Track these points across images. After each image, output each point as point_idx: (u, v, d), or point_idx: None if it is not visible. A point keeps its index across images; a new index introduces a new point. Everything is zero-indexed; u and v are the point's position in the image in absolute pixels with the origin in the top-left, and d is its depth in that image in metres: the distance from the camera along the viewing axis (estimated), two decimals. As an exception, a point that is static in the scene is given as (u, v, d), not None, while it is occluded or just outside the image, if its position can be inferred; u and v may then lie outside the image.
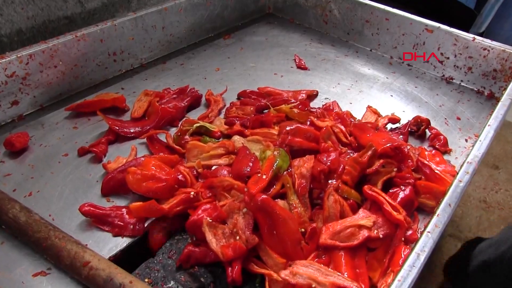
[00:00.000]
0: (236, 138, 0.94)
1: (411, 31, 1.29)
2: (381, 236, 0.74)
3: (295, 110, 1.00)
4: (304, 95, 1.15)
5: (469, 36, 1.20)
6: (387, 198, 0.78)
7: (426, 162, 0.90)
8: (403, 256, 0.71)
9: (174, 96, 1.07)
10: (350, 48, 1.42)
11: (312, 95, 1.18)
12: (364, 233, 0.74)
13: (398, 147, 0.88)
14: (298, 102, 1.05)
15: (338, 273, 0.68)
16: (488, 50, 1.17)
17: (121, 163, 0.88)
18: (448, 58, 1.25)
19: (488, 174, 2.24)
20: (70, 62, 1.07)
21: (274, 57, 1.35)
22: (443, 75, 1.28)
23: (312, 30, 1.52)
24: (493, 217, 2.01)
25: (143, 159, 0.86)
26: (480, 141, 0.84)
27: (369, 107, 1.11)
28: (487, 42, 1.17)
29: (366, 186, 0.81)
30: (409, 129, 1.04)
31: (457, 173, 0.76)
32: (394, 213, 0.75)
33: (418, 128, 1.04)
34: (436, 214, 0.67)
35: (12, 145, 0.92)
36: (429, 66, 1.30)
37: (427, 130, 1.05)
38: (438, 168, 0.89)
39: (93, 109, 1.04)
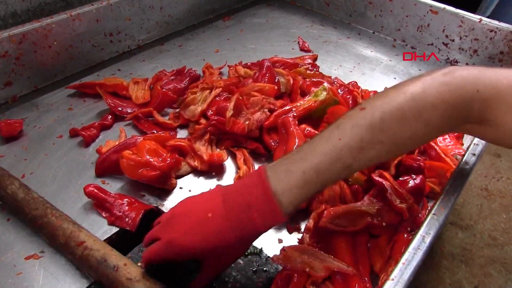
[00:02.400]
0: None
1: (415, 12, 1.26)
2: (384, 224, 0.72)
3: (308, 71, 1.06)
4: (309, 60, 1.17)
5: (475, 17, 1.17)
6: (395, 185, 0.75)
7: (432, 144, 0.88)
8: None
9: (172, 77, 1.04)
10: (353, 31, 1.39)
11: (315, 59, 1.22)
12: (367, 219, 0.71)
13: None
14: (309, 65, 1.11)
15: (333, 258, 0.66)
16: (495, 32, 1.14)
17: (112, 146, 0.86)
18: (453, 40, 1.22)
19: (490, 162, 2.22)
20: (65, 43, 1.04)
21: (274, 39, 1.32)
22: (448, 58, 1.25)
23: (313, 12, 1.49)
24: (494, 205, 1.99)
25: (139, 139, 0.84)
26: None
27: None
28: (495, 23, 1.14)
29: (374, 172, 0.78)
30: None
31: (464, 155, 0.74)
32: (397, 201, 0.72)
33: None
34: (442, 196, 0.65)
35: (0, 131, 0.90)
36: (433, 48, 1.27)
37: None
38: (447, 155, 0.87)
39: (93, 91, 1.01)
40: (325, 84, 0.96)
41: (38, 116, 0.96)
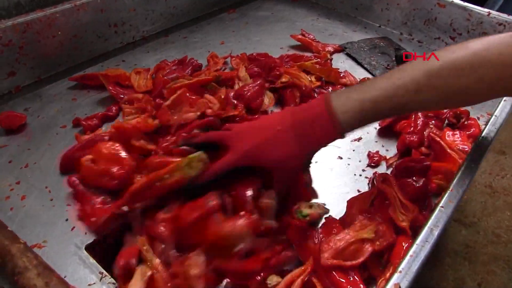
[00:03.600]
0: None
1: (422, 5, 1.25)
2: (383, 247, 0.67)
3: (317, 66, 1.03)
4: (331, 48, 1.20)
5: (483, 10, 1.15)
6: (399, 194, 0.72)
7: (437, 139, 0.87)
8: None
9: (175, 67, 1.04)
10: (359, 24, 1.38)
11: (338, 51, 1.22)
12: (368, 248, 0.66)
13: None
14: (319, 60, 1.09)
15: None
16: (504, 25, 1.13)
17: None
18: (460, 34, 1.21)
19: (494, 160, 2.21)
20: (69, 32, 1.04)
21: (279, 32, 1.31)
22: (455, 52, 1.24)
23: (319, 5, 1.48)
24: (498, 203, 1.98)
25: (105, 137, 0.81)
26: (496, 116, 0.81)
27: None
28: (504, 16, 1.13)
29: (378, 176, 0.77)
30: (447, 120, 0.99)
31: (472, 148, 0.73)
32: (401, 218, 0.69)
33: (457, 121, 0.98)
34: (450, 189, 0.64)
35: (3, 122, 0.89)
36: (440, 43, 1.26)
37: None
38: (452, 149, 0.85)
39: (96, 83, 1.00)
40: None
41: (41, 107, 0.96)
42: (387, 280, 0.54)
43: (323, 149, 0.85)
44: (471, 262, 1.48)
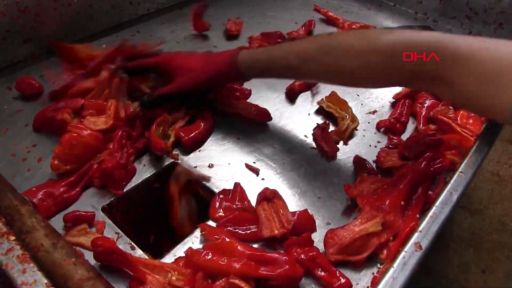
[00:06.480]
0: None
1: (439, -16, 1.24)
2: (391, 238, 0.66)
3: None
4: (357, 26, 1.19)
5: (503, -12, 1.14)
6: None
7: (446, 119, 0.86)
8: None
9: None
10: (374, 2, 1.37)
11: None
12: (374, 241, 0.64)
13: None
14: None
15: None
16: (523, 3, 1.12)
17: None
18: (477, 13, 1.20)
19: (502, 148, 2.20)
20: (85, 1, 1.03)
21: (294, 7, 1.30)
22: (470, 32, 1.23)
23: (334, -17, 1.47)
24: (505, 191, 1.98)
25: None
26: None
27: None
28: (523, -6, 1.12)
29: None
30: None
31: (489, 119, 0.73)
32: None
33: None
34: (469, 156, 0.64)
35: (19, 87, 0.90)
36: (456, 22, 1.25)
37: None
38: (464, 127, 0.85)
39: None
40: None
41: (57, 75, 0.95)
42: (417, 225, 0.54)
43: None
44: (476, 249, 1.48)
